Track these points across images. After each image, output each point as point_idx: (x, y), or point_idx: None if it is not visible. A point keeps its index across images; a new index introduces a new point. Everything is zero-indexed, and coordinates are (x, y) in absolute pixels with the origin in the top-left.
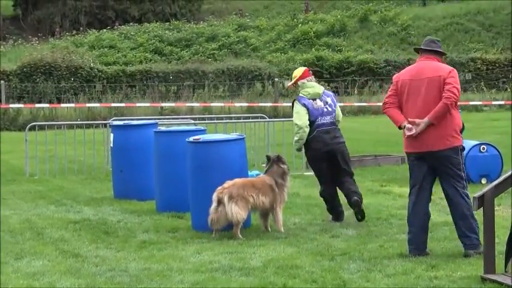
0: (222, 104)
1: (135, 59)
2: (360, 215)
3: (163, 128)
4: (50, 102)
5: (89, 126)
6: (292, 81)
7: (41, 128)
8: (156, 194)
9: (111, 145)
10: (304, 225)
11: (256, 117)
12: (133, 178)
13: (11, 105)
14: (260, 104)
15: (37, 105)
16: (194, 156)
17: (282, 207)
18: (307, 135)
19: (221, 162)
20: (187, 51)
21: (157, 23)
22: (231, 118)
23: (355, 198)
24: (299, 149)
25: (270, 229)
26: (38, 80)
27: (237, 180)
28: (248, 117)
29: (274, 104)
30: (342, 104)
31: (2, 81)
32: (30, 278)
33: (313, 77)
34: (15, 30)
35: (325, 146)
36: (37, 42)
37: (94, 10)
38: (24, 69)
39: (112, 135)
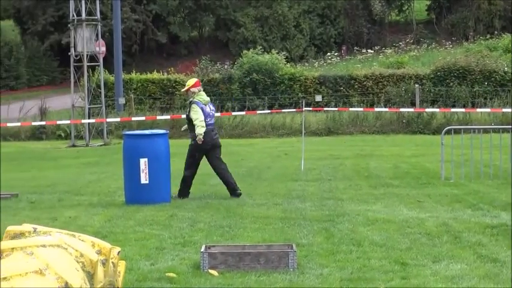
0: None
1: None
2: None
3: None
4: (464, 106)
5: (504, 130)
6: (185, 88)
7: (456, 132)
8: None
9: None
10: None
11: None
12: None
13: (426, 109)
14: None
15: (452, 109)
16: None
17: None
18: None
19: None
20: None
21: None
22: None
23: (239, 192)
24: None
25: None
26: (451, 84)
27: None
28: None
29: None
30: None
31: (416, 85)
32: (448, 282)
33: (201, 87)
34: (429, 34)
35: (212, 140)
36: (450, 46)
37: (508, 14)
38: (438, 73)
39: None
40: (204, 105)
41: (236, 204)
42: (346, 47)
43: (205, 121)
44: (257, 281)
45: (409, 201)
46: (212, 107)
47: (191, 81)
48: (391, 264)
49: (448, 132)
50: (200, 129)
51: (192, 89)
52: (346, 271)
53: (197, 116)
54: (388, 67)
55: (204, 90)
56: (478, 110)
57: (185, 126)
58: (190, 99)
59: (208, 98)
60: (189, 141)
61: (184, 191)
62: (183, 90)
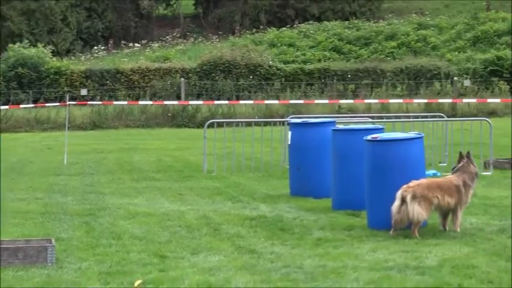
0: (401, 101)
1: (314, 57)
2: None
3: (341, 126)
4: (229, 99)
5: (266, 123)
6: None
7: (219, 125)
8: (333, 192)
9: (289, 143)
10: (481, 225)
11: (434, 117)
12: (310, 176)
13: (190, 102)
14: (439, 101)
15: (215, 102)
16: (372, 155)
17: (463, 209)
18: None
19: (399, 161)
20: (365, 50)
21: (337, 21)
22: (409, 117)
23: None
24: None
25: (447, 228)
26: (217, 77)
27: (423, 180)
28: (426, 117)
29: (454, 101)
30: None
31: (182, 79)
32: (206, 273)
33: None
34: (196, 29)
35: None
36: (217, 40)
37: (274, 8)
38: (204, 67)
39: (290, 132)
40: None
41: None
42: (113, 41)
43: None
44: (14, 276)
45: (171, 194)
46: None
47: None
48: (150, 257)
49: (212, 125)
50: None
51: None
52: (105, 264)
53: None
54: (154, 61)
55: None
56: (241, 102)
57: None
58: None
59: None
60: None
61: None
62: None
